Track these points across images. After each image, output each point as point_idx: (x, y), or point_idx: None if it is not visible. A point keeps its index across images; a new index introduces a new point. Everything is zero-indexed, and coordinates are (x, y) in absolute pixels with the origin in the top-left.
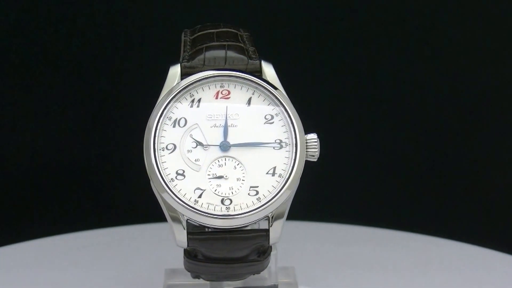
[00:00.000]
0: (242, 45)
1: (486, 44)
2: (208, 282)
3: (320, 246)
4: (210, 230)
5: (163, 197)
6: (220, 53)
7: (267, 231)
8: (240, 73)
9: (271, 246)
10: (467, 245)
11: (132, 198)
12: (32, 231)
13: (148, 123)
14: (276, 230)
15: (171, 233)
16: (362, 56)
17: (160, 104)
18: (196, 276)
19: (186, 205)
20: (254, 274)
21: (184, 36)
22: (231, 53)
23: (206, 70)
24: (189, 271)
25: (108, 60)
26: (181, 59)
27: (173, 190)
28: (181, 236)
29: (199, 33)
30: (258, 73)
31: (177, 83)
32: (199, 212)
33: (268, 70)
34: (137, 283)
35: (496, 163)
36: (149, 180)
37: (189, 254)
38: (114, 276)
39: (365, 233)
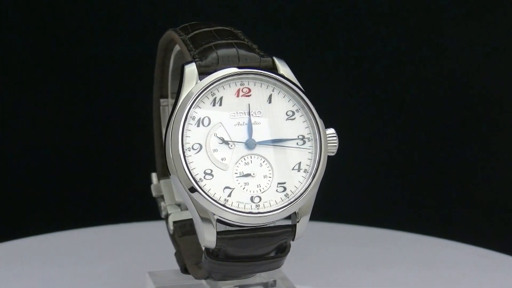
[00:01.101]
0: (247, 43)
1: (487, 44)
2: (202, 280)
3: (319, 245)
4: (236, 228)
5: (194, 198)
6: (232, 51)
7: (293, 227)
8: (260, 71)
9: (290, 243)
10: (467, 246)
11: (125, 197)
12: (22, 230)
13: (173, 124)
14: (302, 226)
15: (198, 234)
16: (362, 56)
17: (184, 104)
18: (207, 276)
19: (218, 204)
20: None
21: (180, 35)
22: (242, 51)
23: (223, 69)
24: (209, 271)
25: (106, 60)
26: (191, 58)
27: (204, 190)
28: (211, 236)
29: (196, 32)
30: (273, 70)
31: (198, 83)
32: (232, 210)
33: (283, 67)
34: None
35: (497, 163)
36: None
37: (211, 254)
38: (99, 275)
39: (364, 233)
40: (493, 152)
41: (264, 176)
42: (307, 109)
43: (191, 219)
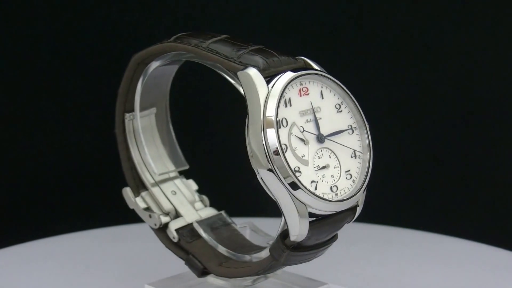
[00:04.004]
0: (268, 48)
1: (487, 45)
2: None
3: None
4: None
5: (294, 194)
6: (273, 56)
7: (354, 209)
8: (313, 70)
9: None
10: (469, 242)
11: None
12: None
13: (263, 126)
14: (360, 208)
15: (292, 228)
16: (362, 55)
17: (269, 107)
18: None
19: (316, 197)
20: None
21: (195, 46)
22: (282, 57)
23: (281, 72)
24: (284, 263)
25: (111, 64)
26: (239, 65)
27: (305, 185)
28: (305, 228)
29: (211, 41)
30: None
31: (271, 87)
32: (325, 201)
33: (316, 65)
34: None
35: (498, 161)
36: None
37: (289, 246)
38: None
39: (366, 230)
40: (495, 150)
41: (335, 167)
42: (349, 100)
43: (191, 224)
